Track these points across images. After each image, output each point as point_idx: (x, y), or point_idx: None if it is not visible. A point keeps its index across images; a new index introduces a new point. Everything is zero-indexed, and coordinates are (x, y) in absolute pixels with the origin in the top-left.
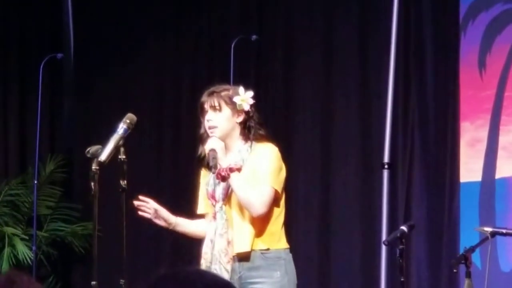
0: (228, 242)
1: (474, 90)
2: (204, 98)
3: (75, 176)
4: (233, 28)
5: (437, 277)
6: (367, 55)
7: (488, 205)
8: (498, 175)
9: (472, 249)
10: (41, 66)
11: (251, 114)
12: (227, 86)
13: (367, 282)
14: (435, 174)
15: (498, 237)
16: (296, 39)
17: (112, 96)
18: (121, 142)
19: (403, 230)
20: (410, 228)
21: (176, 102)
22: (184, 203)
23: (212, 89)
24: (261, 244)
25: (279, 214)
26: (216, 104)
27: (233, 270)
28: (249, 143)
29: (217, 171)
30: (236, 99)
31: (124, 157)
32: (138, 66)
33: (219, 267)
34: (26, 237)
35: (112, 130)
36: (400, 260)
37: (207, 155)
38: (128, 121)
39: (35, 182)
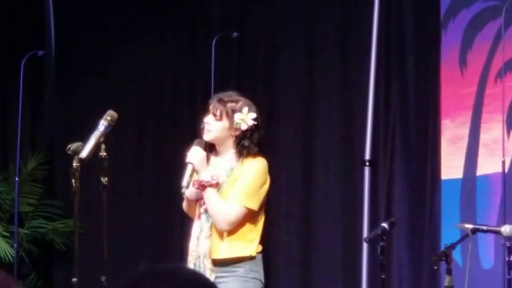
0: (211, 245)
1: (455, 87)
2: (212, 100)
3: (56, 173)
4: (214, 25)
5: (418, 274)
6: (348, 52)
7: (469, 202)
8: (479, 172)
9: (453, 246)
10: (22, 63)
11: (248, 135)
12: (237, 97)
13: (348, 279)
14: (416, 171)
15: (479, 234)
16: (277, 36)
17: (93, 93)
18: (102, 139)
19: (384, 227)
20: (391, 225)
21: (157, 99)
22: (164, 200)
23: (222, 96)
24: (235, 252)
25: (254, 226)
26: (218, 113)
27: (212, 271)
28: (240, 156)
29: (191, 184)
30: (236, 116)
31: (105, 154)
32: (119, 63)
33: (203, 267)
34: (7, 234)
35: (93, 127)
36: (381, 257)
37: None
38: (109, 118)
39: (16, 179)
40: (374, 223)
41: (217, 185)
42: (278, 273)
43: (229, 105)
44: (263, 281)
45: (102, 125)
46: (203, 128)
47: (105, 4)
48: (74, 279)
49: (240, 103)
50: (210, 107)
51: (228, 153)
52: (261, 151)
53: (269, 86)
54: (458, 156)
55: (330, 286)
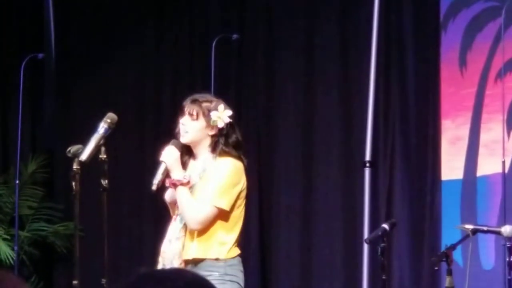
0: (183, 246)
1: (455, 88)
2: (186, 102)
3: (56, 176)
4: (214, 27)
5: (418, 274)
6: (348, 53)
7: (469, 203)
8: (480, 173)
9: (453, 247)
10: (22, 66)
11: (224, 132)
12: (211, 98)
13: (349, 280)
14: (417, 172)
15: (479, 235)
16: (277, 37)
17: (93, 95)
18: (102, 142)
19: (384, 228)
20: (392, 226)
21: (157, 102)
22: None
23: (196, 96)
24: (208, 253)
25: (232, 224)
26: (194, 113)
27: None
28: (214, 155)
29: (161, 182)
30: (213, 114)
31: (105, 156)
32: (119, 66)
33: None
34: (8, 237)
35: (93, 129)
36: (382, 258)
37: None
38: (109, 120)
39: (17, 182)
40: (374, 224)
41: (188, 184)
42: (279, 274)
43: (204, 104)
44: (242, 284)
45: (102, 127)
46: (179, 131)
47: (104, 6)
48: (75, 282)
49: (214, 103)
50: (185, 109)
51: (203, 154)
52: (238, 153)
53: (269, 87)
54: (458, 157)
55: (331, 286)
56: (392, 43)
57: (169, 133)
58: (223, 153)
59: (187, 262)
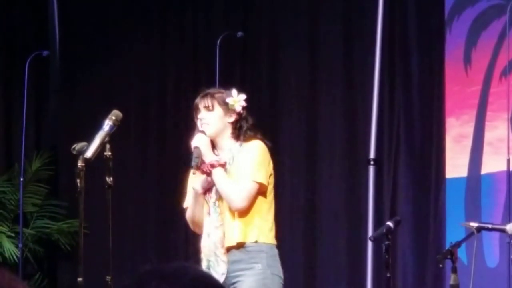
0: (224, 234)
1: (459, 86)
2: (198, 99)
3: (61, 173)
4: (218, 24)
5: (423, 272)
6: (352, 51)
7: (474, 201)
8: (484, 170)
9: (458, 244)
10: (27, 63)
11: (243, 116)
12: (221, 90)
13: (354, 278)
14: (421, 170)
15: (484, 233)
16: (281, 35)
17: (97, 93)
18: (106, 139)
19: (389, 226)
20: (396, 223)
21: (161, 99)
22: (169, 199)
23: (206, 91)
24: (249, 237)
25: (267, 208)
26: (210, 104)
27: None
28: (239, 142)
29: (200, 167)
30: (228, 100)
31: (109, 153)
32: (123, 63)
33: (215, 259)
34: (13, 235)
35: (97, 127)
36: (386, 256)
37: (192, 151)
38: (113, 117)
39: (21, 179)
40: (379, 221)
41: (224, 165)
42: (283, 271)
43: (217, 95)
44: (282, 276)
45: (107, 125)
46: (198, 130)
47: (109, 4)
48: (79, 279)
49: (225, 92)
50: (199, 105)
51: (228, 143)
52: (258, 135)
53: (273, 85)
54: (462, 155)
55: (335, 284)
56: (397, 41)
57: (173, 130)
58: (249, 137)
59: (229, 248)
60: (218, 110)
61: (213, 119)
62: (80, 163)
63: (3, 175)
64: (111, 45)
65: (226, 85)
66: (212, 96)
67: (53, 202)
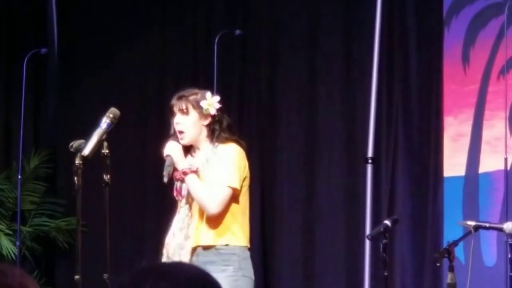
0: (186, 237)
1: (457, 85)
2: (173, 101)
3: (59, 171)
4: (217, 22)
5: (420, 271)
6: (351, 49)
7: (471, 200)
8: (482, 169)
9: (455, 243)
10: (25, 61)
11: (217, 118)
12: (195, 90)
13: (351, 276)
14: (419, 169)
15: (481, 232)
16: (280, 33)
17: (96, 91)
18: (104, 137)
19: (386, 225)
20: (394, 222)
21: (160, 97)
22: (167, 197)
23: (181, 93)
24: (220, 240)
25: (241, 211)
26: (184, 107)
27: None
28: (214, 144)
29: (173, 175)
30: (203, 103)
31: (107, 151)
32: (122, 61)
33: (179, 259)
34: (10, 232)
35: (95, 124)
36: (384, 255)
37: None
38: (111, 115)
39: (19, 177)
40: (376, 220)
41: (197, 171)
42: (281, 270)
43: (191, 97)
44: (253, 278)
45: (104, 122)
46: (174, 132)
47: (107, 2)
48: (77, 277)
49: (200, 93)
50: (174, 107)
51: (203, 145)
52: (233, 137)
53: (272, 83)
54: (460, 154)
55: (332, 283)
56: (395, 40)
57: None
58: (223, 139)
59: (195, 249)
60: (193, 114)
61: (188, 125)
62: (77, 161)
63: (1, 173)
64: (109, 43)
65: (225, 82)
66: (187, 99)
67: (51, 200)
